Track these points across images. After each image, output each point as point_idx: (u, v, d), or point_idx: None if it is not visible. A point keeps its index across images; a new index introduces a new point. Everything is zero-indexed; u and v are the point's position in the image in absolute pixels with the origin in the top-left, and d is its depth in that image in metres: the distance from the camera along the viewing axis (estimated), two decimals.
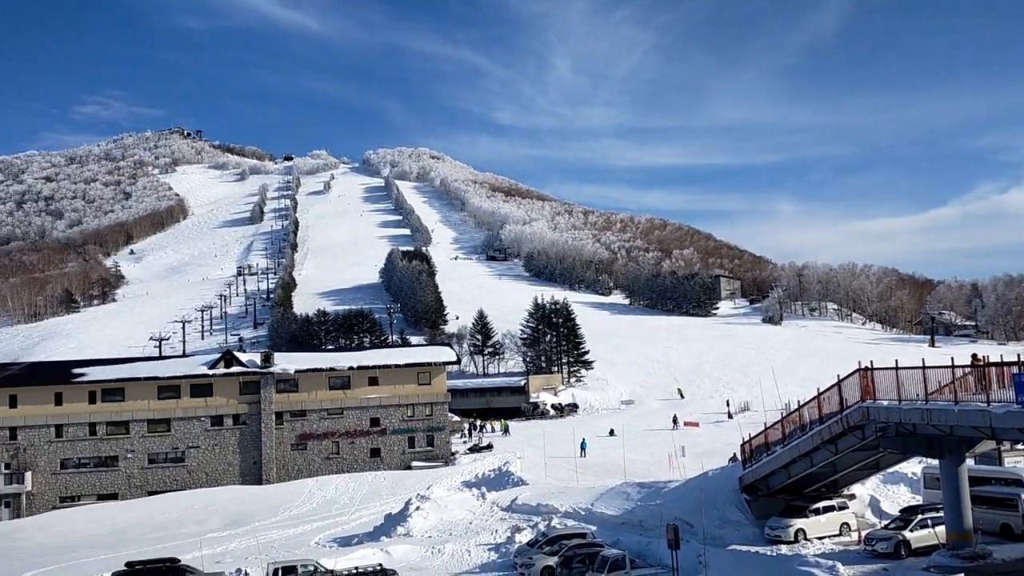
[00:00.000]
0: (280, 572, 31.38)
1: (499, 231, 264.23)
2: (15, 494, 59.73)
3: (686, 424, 76.33)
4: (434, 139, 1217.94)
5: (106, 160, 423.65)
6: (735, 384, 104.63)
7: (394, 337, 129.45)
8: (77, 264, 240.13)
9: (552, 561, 29.88)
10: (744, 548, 30.60)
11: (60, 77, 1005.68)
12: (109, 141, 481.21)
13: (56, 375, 65.83)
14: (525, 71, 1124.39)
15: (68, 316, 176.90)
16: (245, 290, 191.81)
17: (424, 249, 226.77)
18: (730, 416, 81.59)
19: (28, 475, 60.01)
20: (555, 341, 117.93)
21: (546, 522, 37.50)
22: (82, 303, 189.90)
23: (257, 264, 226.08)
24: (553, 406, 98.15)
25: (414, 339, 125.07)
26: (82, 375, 64.19)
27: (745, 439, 36.13)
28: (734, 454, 43.69)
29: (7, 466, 60.43)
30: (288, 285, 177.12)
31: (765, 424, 36.34)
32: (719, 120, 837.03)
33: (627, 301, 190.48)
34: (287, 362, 67.84)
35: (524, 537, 35.67)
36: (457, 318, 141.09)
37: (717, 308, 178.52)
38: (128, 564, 33.82)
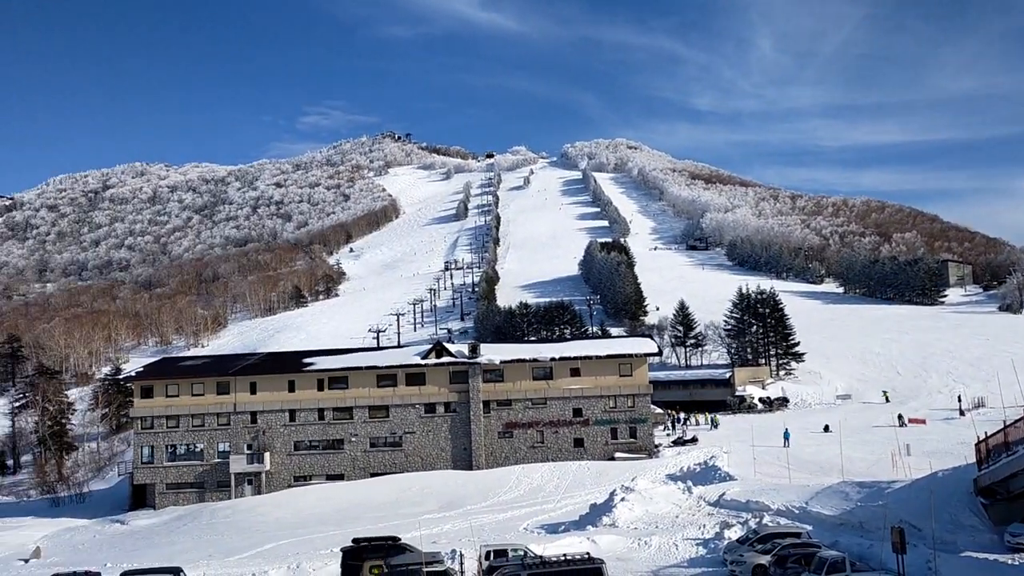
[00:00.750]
0: (492, 555, 32.50)
1: (699, 219, 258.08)
2: (256, 473, 65.90)
3: (911, 421, 71.12)
4: (631, 129, 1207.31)
5: (327, 165, 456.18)
6: (966, 378, 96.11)
7: (594, 329, 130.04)
8: (304, 262, 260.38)
9: (764, 559, 28.91)
10: (980, 555, 28.13)
11: (286, 92, 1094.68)
12: (329, 148, 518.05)
13: (289, 364, 71.89)
14: (725, 54, 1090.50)
15: (298, 310, 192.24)
16: (452, 284, 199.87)
17: (622, 240, 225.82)
18: (962, 413, 75.17)
19: (267, 456, 66.00)
20: (762, 332, 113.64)
21: (757, 519, 36.35)
22: (309, 298, 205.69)
23: (462, 259, 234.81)
24: (760, 399, 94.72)
25: (614, 331, 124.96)
26: (311, 364, 69.68)
27: (980, 437, 33.15)
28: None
29: (249, 447, 66.77)
30: (491, 279, 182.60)
31: (1004, 421, 33.15)
32: (942, 92, 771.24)
33: (841, 289, 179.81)
34: (493, 353, 70.06)
35: (734, 534, 34.77)
36: (657, 309, 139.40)
37: (945, 296, 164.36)
38: (355, 540, 36.30)
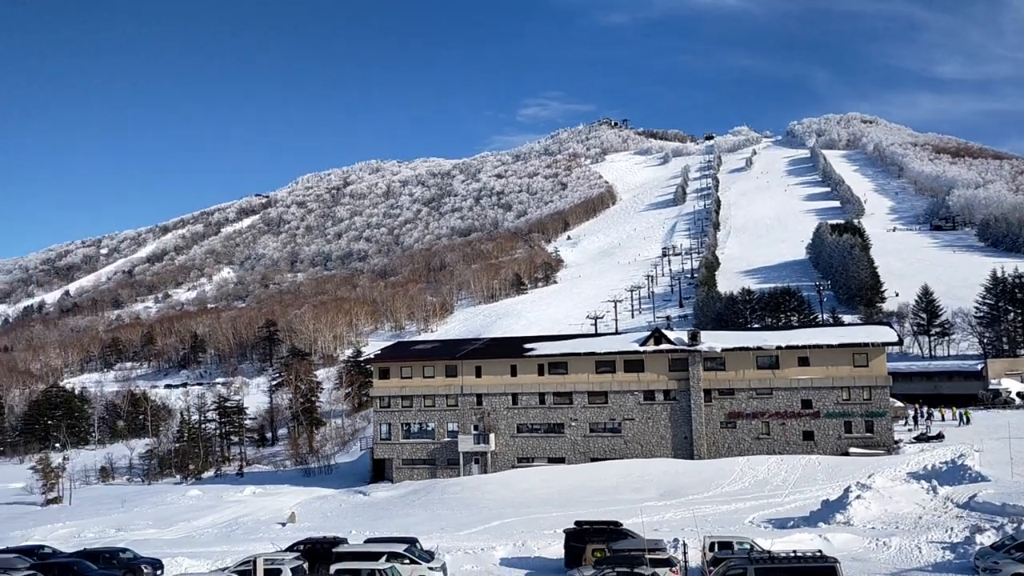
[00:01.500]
0: (716, 546, 31.80)
1: (945, 197, 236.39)
2: (482, 452, 68.71)
3: None
4: (864, 103, 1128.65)
5: (545, 155, 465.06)
6: None
7: (824, 316, 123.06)
8: (524, 250, 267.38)
9: None
10: None
11: (507, 86, 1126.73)
12: (547, 137, 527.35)
13: (511, 349, 74.20)
14: (973, 15, 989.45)
15: (518, 297, 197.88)
16: (670, 270, 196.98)
17: (856, 221, 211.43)
18: None
19: (492, 437, 68.61)
20: (1020, 320, 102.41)
21: (1015, 524, 32.90)
22: (529, 285, 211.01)
23: (681, 244, 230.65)
24: (1019, 394, 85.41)
25: (847, 318, 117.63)
26: (532, 350, 71.49)
27: None
28: None
29: (475, 428, 69.76)
30: (711, 264, 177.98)
31: None
32: None
33: None
34: (713, 340, 68.31)
35: (987, 539, 31.75)
36: (896, 295, 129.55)
37: None
38: (577, 523, 36.91)
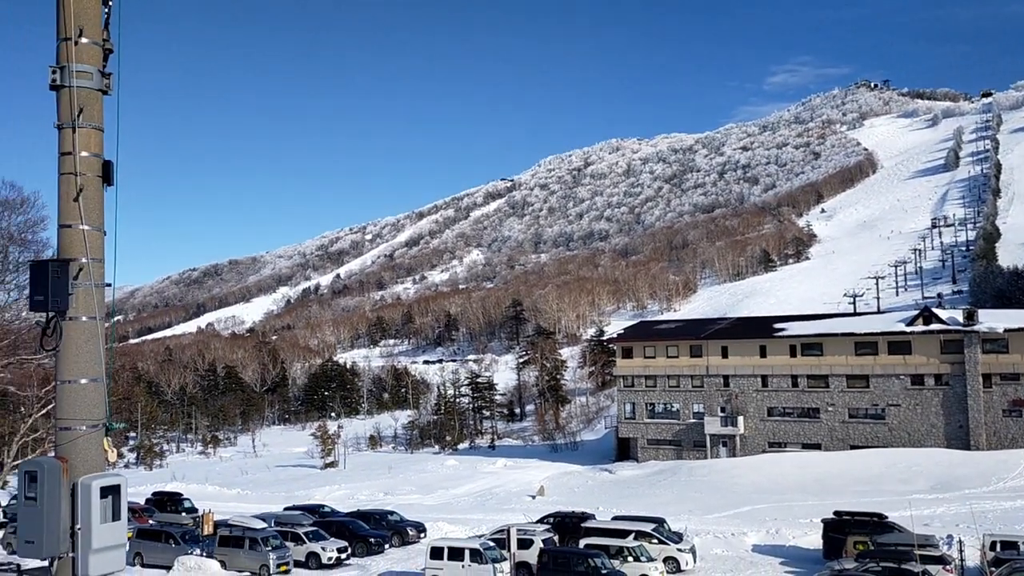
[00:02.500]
0: (999, 546, 28.69)
1: None
2: (730, 435, 66.79)
3: None
4: None
5: (795, 124, 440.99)
6: None
7: None
8: (772, 226, 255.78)
9: None
10: None
11: (753, 53, 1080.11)
12: (797, 105, 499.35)
13: (759, 329, 71.28)
14: None
15: (766, 275, 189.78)
16: (940, 243, 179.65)
17: None
18: None
19: (740, 419, 66.45)
20: None
21: None
22: (778, 262, 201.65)
23: (953, 215, 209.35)
24: None
25: None
26: (782, 330, 68.21)
27: None
28: None
29: (723, 410, 67.90)
30: (990, 235, 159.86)
31: None
32: None
33: None
34: (993, 320, 61.26)
35: None
36: None
37: None
38: (836, 512, 34.79)
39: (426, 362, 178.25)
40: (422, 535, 40.10)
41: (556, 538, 35.05)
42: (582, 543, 32.21)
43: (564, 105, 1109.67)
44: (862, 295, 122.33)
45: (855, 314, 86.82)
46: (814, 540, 35.15)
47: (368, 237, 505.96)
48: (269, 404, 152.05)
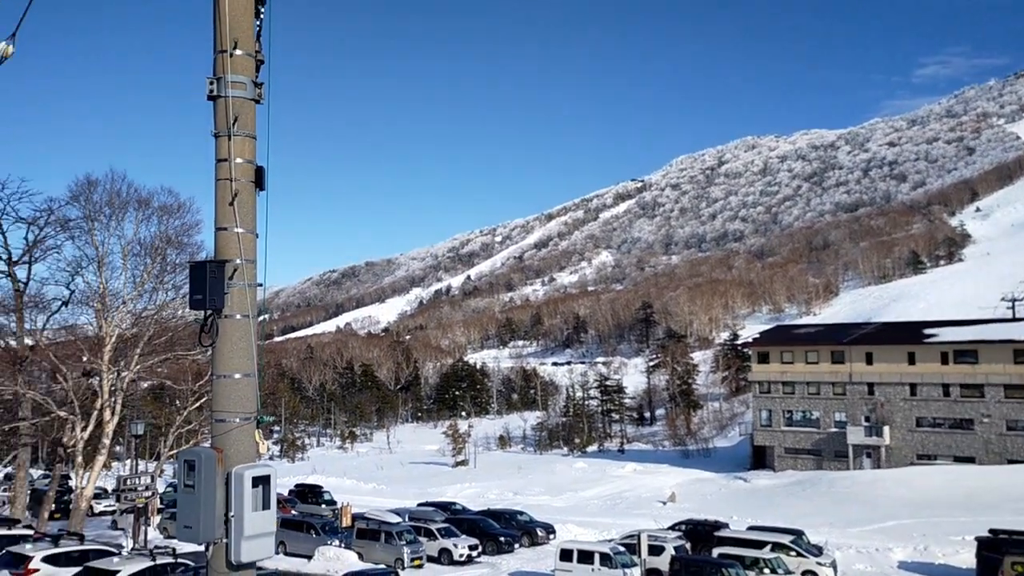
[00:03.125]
0: None
1: None
2: (875, 446, 63.55)
3: None
4: None
5: (947, 117, 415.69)
6: None
7: None
8: (922, 225, 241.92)
9: None
10: None
11: (900, 45, 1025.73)
12: (949, 98, 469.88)
13: (908, 335, 67.55)
14: None
15: (915, 277, 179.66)
16: None
17: None
18: None
19: (886, 429, 63.12)
20: None
21: None
22: (928, 264, 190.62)
23: None
24: None
25: None
26: (933, 335, 64.38)
27: None
28: None
29: (867, 419, 64.69)
30: None
31: None
32: None
33: None
34: None
35: None
36: None
37: None
38: (992, 530, 32.53)
39: (555, 364, 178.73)
40: (551, 536, 40.19)
41: (688, 546, 34.35)
42: (715, 552, 31.39)
43: (696, 104, 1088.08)
44: (1022, 299, 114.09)
45: (1014, 319, 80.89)
46: (966, 559, 32.98)
47: (498, 239, 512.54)
48: (403, 402, 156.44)
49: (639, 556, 29.53)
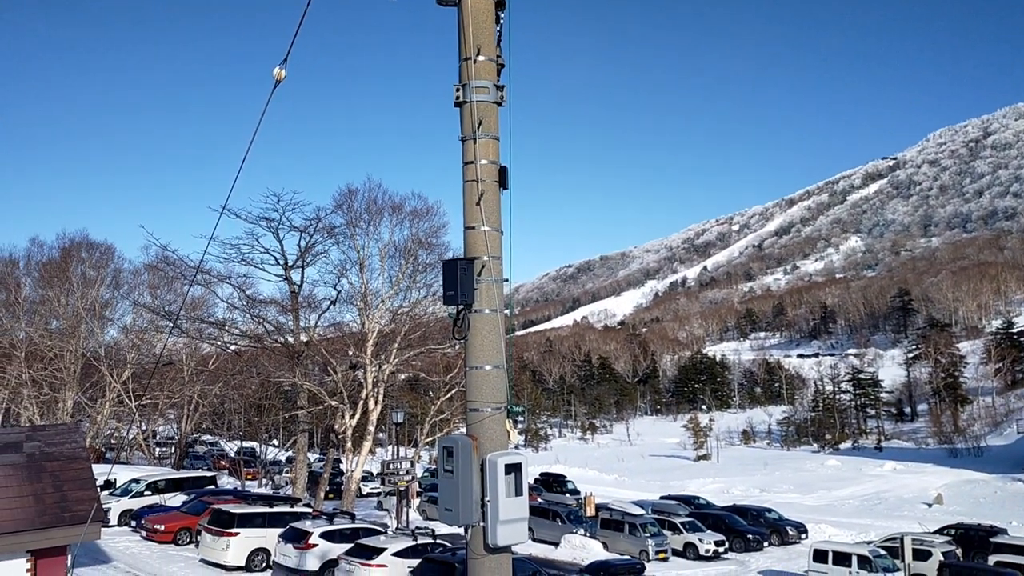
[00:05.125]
0: None
1: None
2: None
3: None
4: None
5: None
6: None
7: None
8: None
9: None
10: None
11: None
12: None
13: None
14: None
15: None
16: None
17: None
18: None
19: None
20: None
21: None
22: None
23: None
24: None
25: None
26: None
27: None
28: None
29: None
30: None
31: None
32: None
33: None
34: None
35: None
36: None
37: None
38: None
39: (800, 356, 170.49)
40: (803, 536, 38.45)
41: (959, 551, 31.41)
42: (991, 560, 28.49)
43: (956, 72, 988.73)
44: None
45: None
46: None
47: (735, 228, 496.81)
48: (641, 394, 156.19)
49: (902, 560, 27.42)
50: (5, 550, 12.61)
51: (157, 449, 61.30)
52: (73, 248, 51.97)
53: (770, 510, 41.78)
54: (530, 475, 56.69)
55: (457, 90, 7.88)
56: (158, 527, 28.03)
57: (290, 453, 56.19)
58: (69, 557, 13.42)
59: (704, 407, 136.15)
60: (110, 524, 29.94)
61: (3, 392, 48.78)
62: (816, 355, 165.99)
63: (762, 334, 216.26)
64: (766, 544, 37.07)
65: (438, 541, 23.54)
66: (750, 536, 36.74)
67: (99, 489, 15.83)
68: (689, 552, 34.30)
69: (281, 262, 37.80)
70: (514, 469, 7.38)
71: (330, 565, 22.65)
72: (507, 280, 8.09)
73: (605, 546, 33.63)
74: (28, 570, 12.90)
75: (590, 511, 36.89)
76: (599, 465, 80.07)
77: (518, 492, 7.37)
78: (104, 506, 21.14)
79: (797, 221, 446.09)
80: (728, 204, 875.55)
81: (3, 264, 54.66)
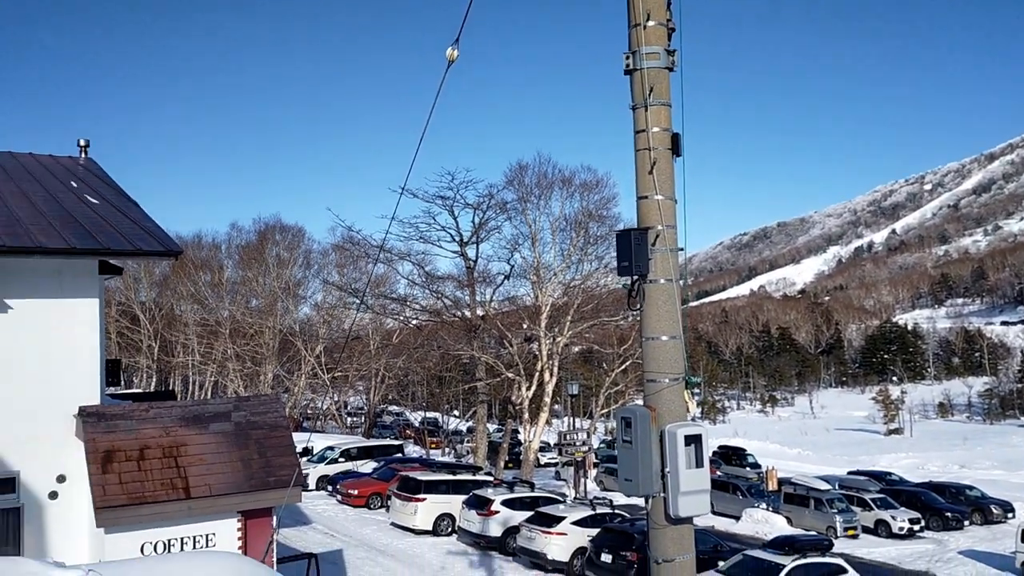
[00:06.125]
0: None
1: None
2: None
3: None
4: None
5: None
6: None
7: None
8: None
9: None
10: None
11: None
12: None
13: None
14: None
15: None
16: None
17: None
18: None
19: None
20: None
21: None
22: None
23: None
24: None
25: None
26: None
27: None
28: None
29: None
30: None
31: None
32: None
33: None
34: None
35: None
36: None
37: None
38: None
39: (1004, 323, 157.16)
40: (1009, 515, 35.62)
41: None
42: None
43: None
44: None
45: None
46: None
47: (927, 187, 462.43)
48: (824, 366, 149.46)
49: None
50: (220, 510, 13.82)
51: (348, 419, 65.21)
52: (268, 231, 55.91)
53: (971, 487, 39.01)
54: (708, 448, 55.85)
55: (627, 58, 7.77)
56: (352, 492, 29.88)
57: (470, 423, 58.20)
58: (274, 518, 14.55)
59: (895, 379, 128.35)
60: (308, 488, 32.21)
61: (212, 366, 53.46)
62: (1022, 322, 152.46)
63: (959, 300, 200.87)
64: (967, 523, 34.67)
65: (616, 511, 23.67)
66: (948, 514, 34.42)
67: (298, 456, 17.06)
68: (881, 530, 32.61)
69: (457, 239, 38.95)
70: (694, 440, 7.29)
71: (512, 532, 23.30)
72: (682, 249, 7.95)
73: (789, 521, 32.61)
74: (239, 529, 14.09)
75: (772, 485, 35.83)
76: (780, 439, 77.56)
77: (699, 464, 7.28)
78: (303, 472, 22.78)
79: (999, 177, 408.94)
80: (918, 162, 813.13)
81: (208, 248, 59.71)
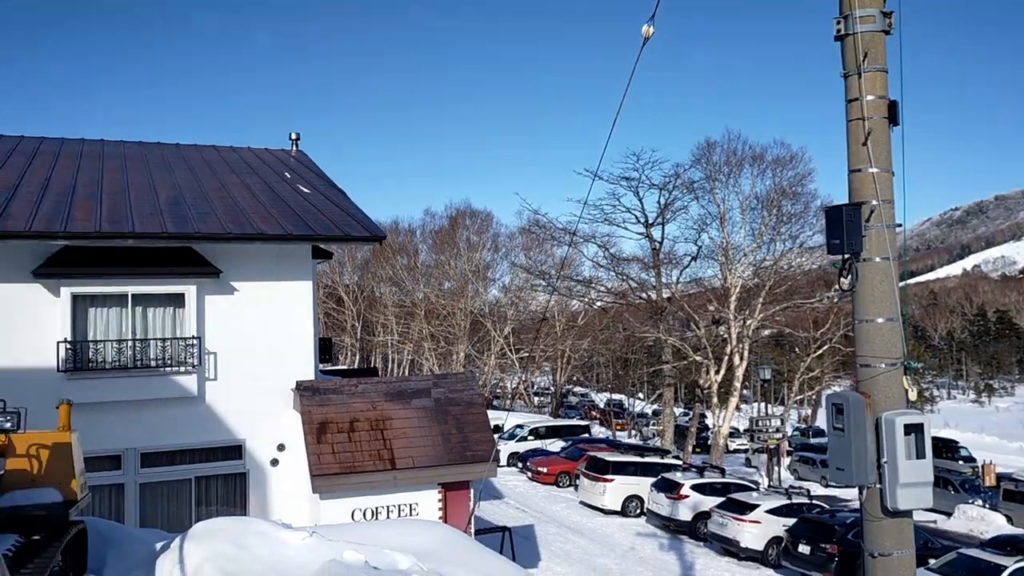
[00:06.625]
0: None
1: None
2: None
3: None
4: None
5: None
6: None
7: None
8: None
9: None
10: None
11: None
12: None
13: None
14: None
15: None
16: None
17: None
18: None
19: None
20: None
21: None
22: None
23: None
24: None
25: None
26: None
27: None
28: None
29: None
30: None
31: None
32: None
33: None
34: None
35: None
36: None
37: None
38: None
39: None
40: None
41: None
42: None
43: None
44: None
45: None
46: None
47: None
48: None
49: None
50: (422, 481, 14.52)
51: (535, 398, 66.48)
52: (459, 216, 57.83)
53: None
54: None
55: (837, 23, 7.32)
56: (542, 469, 30.47)
57: (656, 406, 57.66)
58: (472, 491, 15.10)
59: None
60: (500, 465, 33.18)
61: (409, 345, 56.11)
62: None
63: None
64: None
65: (814, 502, 22.69)
66: None
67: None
68: None
69: (642, 220, 38.55)
70: (915, 429, 6.83)
71: (702, 517, 22.90)
72: (899, 225, 7.43)
73: (1009, 520, 29.93)
74: (440, 499, 14.74)
75: (989, 481, 33.02)
76: (998, 431, 71.31)
77: (920, 454, 6.81)
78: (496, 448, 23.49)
79: None
80: None
81: (404, 233, 62.58)
